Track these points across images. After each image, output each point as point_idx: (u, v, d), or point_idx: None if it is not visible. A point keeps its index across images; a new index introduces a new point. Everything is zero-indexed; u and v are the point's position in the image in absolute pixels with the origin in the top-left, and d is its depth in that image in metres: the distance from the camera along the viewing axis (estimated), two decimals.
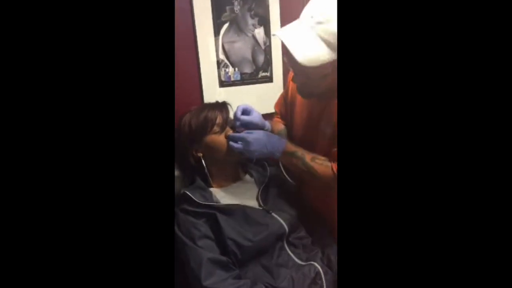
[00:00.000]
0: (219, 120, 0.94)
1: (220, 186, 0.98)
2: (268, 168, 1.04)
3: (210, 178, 0.97)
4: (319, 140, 0.93)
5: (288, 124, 1.09)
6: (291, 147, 0.91)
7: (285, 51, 0.76)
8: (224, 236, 0.84)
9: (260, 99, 1.51)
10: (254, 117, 0.95)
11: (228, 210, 0.87)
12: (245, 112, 0.96)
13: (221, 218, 0.85)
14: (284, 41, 0.74)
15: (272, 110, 1.33)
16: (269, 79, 1.55)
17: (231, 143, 0.91)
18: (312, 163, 0.87)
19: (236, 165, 1.03)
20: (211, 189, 0.96)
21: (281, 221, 0.90)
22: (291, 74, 1.04)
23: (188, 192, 0.89)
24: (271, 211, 0.91)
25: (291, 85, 1.04)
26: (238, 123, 0.93)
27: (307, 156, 0.88)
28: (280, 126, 1.09)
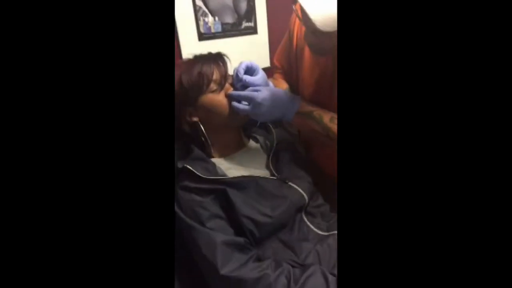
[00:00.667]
0: (216, 75, 0.77)
1: (222, 155, 0.83)
2: (273, 130, 0.90)
3: (210, 147, 0.81)
4: (332, 100, 0.80)
5: (293, 81, 0.94)
6: (306, 107, 0.77)
7: (299, 8, 0.60)
8: (237, 214, 0.70)
9: (244, 53, 1.34)
10: (259, 78, 0.78)
11: (239, 183, 0.73)
12: (249, 71, 0.79)
13: (232, 193, 0.71)
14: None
15: (262, 65, 1.17)
16: (254, 31, 1.36)
17: (235, 104, 0.75)
18: (330, 124, 0.75)
19: (239, 130, 0.88)
20: (213, 159, 0.81)
21: (301, 191, 0.78)
22: (295, 21, 0.88)
23: (188, 166, 0.73)
24: (287, 180, 0.78)
25: (297, 34, 0.88)
26: (239, 84, 0.77)
27: (325, 117, 0.75)
28: (283, 85, 0.94)
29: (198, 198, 0.71)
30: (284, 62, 0.97)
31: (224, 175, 0.76)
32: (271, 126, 0.92)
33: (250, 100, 0.73)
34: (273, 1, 1.45)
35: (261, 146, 0.89)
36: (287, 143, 0.89)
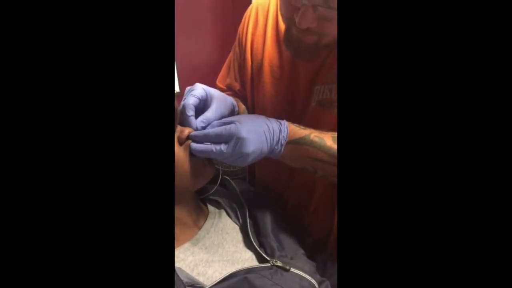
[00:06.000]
0: None
1: (182, 240, 0.51)
2: (233, 183, 0.62)
3: None
4: (307, 115, 0.60)
5: (249, 106, 0.70)
6: (297, 131, 0.53)
7: None
8: None
9: None
10: (219, 108, 0.53)
11: None
12: (200, 105, 0.54)
13: None
14: None
15: None
16: None
17: (198, 146, 0.48)
18: (336, 146, 0.53)
19: (194, 193, 0.56)
20: None
21: (309, 277, 0.52)
22: (246, 31, 0.66)
23: None
24: (288, 266, 0.51)
25: (253, 45, 0.66)
26: (196, 127, 0.51)
27: (326, 138, 0.52)
28: (239, 105, 0.69)
29: None
30: (232, 83, 0.71)
31: (195, 282, 0.44)
32: (228, 178, 0.63)
33: (226, 137, 0.47)
34: (179, 15, 1.18)
35: (227, 212, 0.59)
36: (258, 198, 0.62)
